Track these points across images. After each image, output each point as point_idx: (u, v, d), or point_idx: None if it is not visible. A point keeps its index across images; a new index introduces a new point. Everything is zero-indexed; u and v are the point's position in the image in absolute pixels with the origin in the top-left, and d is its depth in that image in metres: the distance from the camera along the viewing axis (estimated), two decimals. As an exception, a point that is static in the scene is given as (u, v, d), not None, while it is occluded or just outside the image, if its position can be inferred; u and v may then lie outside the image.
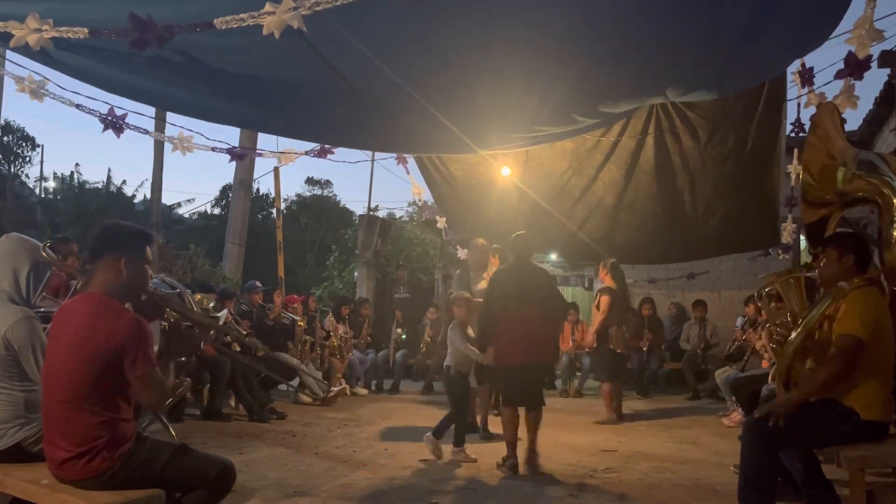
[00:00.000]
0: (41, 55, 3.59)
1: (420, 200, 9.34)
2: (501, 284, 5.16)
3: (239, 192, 16.63)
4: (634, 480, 4.69)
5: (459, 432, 5.20)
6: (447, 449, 5.20)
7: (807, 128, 4.80)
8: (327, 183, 30.27)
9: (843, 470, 3.18)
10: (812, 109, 4.55)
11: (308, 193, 30.08)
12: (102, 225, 2.84)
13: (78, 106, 4.52)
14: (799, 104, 5.46)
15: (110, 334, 2.52)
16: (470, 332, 5.40)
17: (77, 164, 37.96)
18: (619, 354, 7.24)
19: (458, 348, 5.29)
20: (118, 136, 4.69)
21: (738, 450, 3.42)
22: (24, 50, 3.54)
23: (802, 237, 7.05)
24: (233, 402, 7.30)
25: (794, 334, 3.46)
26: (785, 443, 3.25)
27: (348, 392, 8.74)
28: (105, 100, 4.52)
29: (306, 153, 5.99)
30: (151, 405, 2.68)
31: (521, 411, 5.04)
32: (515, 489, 4.43)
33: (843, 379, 3.19)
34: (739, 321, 8.67)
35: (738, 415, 6.63)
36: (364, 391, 9.33)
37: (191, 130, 5.19)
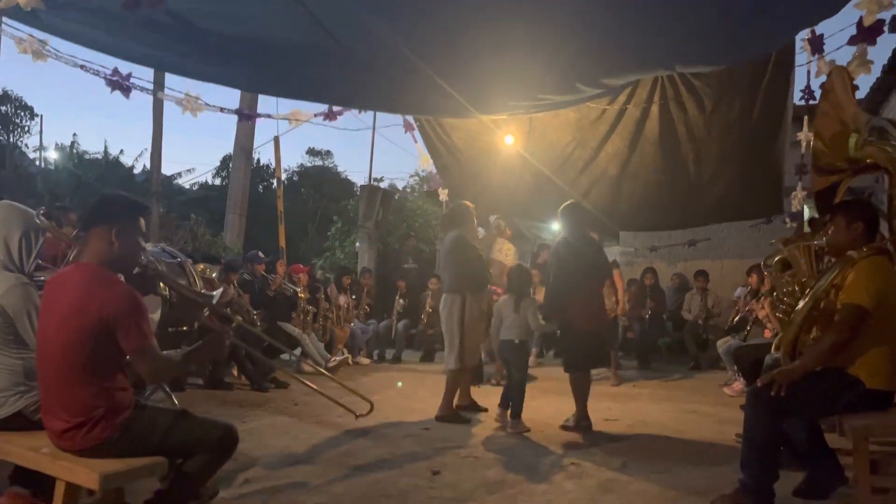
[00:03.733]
0: (36, 20, 3.51)
1: (425, 171, 9.27)
2: (565, 256, 5.38)
3: (239, 161, 16.55)
4: (636, 449, 4.70)
5: (519, 403, 5.21)
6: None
7: (817, 95, 4.72)
8: (328, 154, 30.15)
9: (845, 439, 3.18)
10: (822, 78, 4.46)
11: (309, 164, 29.97)
12: (98, 194, 2.80)
13: (82, 67, 4.45)
14: (809, 71, 5.37)
15: (103, 304, 2.49)
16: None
17: (75, 135, 37.76)
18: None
19: (528, 320, 5.35)
20: (127, 97, 4.64)
21: (740, 419, 3.42)
22: (19, 14, 3.47)
23: (805, 207, 7.01)
24: (235, 372, 7.31)
25: (801, 303, 3.43)
26: (789, 412, 3.23)
27: (350, 362, 8.78)
28: (108, 62, 4.47)
29: (315, 115, 5.93)
30: (150, 379, 2.63)
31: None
32: (517, 457, 4.44)
33: (845, 348, 3.17)
34: (739, 291, 8.64)
35: (739, 384, 6.64)
36: (366, 360, 9.37)
37: (190, 95, 5.13)
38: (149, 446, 2.60)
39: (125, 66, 4.61)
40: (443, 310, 5.71)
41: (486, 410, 5.81)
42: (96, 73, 4.53)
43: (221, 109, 5.39)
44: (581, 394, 5.26)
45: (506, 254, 7.69)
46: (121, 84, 4.61)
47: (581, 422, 5.22)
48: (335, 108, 6.00)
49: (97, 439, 2.53)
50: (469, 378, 6.10)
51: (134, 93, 4.92)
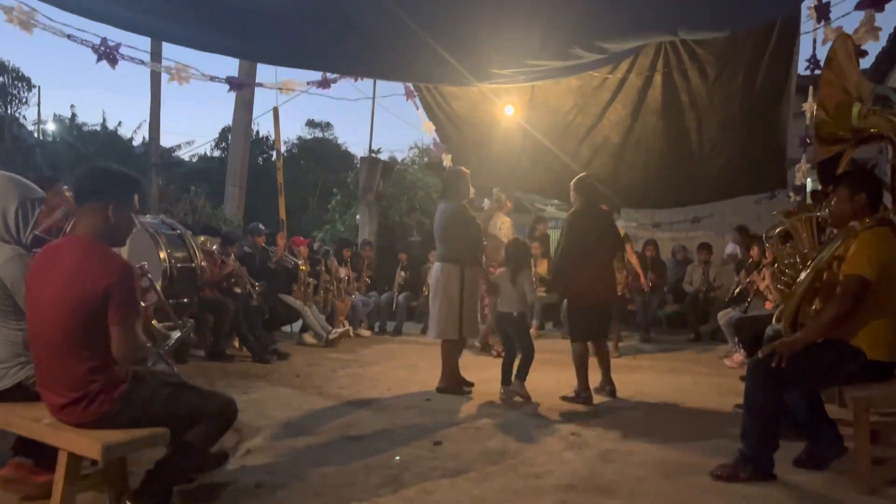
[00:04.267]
0: None
1: (426, 143, 9.18)
2: (575, 230, 5.34)
3: (239, 132, 16.43)
4: (637, 420, 4.73)
5: (526, 368, 5.24)
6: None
7: (822, 64, 4.65)
8: (328, 125, 29.97)
9: (846, 409, 3.18)
10: (829, 46, 4.39)
11: (309, 136, 29.82)
12: (91, 167, 2.76)
13: (69, 36, 4.38)
14: (815, 40, 5.28)
15: (98, 276, 2.47)
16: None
17: (73, 106, 37.46)
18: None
19: (525, 294, 5.32)
20: (113, 67, 4.59)
21: (740, 390, 3.42)
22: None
23: (808, 180, 6.95)
24: (237, 344, 7.34)
25: (803, 275, 3.42)
26: (790, 382, 3.24)
27: (351, 334, 8.80)
28: (97, 31, 4.41)
29: (308, 84, 5.83)
30: (123, 358, 2.57)
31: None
32: (518, 428, 4.46)
33: (847, 319, 3.16)
34: (730, 248, 8.57)
35: (740, 356, 6.66)
36: (367, 333, 9.40)
37: (180, 64, 5.07)
38: (149, 418, 2.61)
39: (117, 37, 4.54)
40: (437, 279, 5.59)
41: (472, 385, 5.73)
42: (83, 43, 4.45)
43: (211, 78, 5.30)
44: (581, 365, 5.27)
45: (500, 227, 7.66)
46: (108, 54, 4.54)
47: (581, 393, 5.23)
48: (329, 76, 5.90)
49: (96, 413, 2.53)
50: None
51: (133, 65, 4.87)
